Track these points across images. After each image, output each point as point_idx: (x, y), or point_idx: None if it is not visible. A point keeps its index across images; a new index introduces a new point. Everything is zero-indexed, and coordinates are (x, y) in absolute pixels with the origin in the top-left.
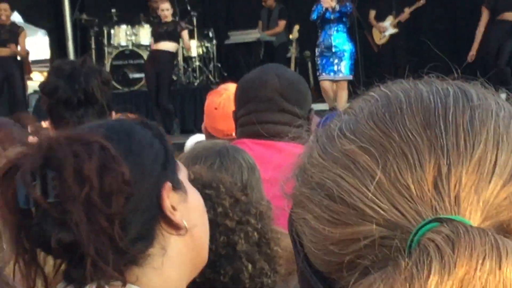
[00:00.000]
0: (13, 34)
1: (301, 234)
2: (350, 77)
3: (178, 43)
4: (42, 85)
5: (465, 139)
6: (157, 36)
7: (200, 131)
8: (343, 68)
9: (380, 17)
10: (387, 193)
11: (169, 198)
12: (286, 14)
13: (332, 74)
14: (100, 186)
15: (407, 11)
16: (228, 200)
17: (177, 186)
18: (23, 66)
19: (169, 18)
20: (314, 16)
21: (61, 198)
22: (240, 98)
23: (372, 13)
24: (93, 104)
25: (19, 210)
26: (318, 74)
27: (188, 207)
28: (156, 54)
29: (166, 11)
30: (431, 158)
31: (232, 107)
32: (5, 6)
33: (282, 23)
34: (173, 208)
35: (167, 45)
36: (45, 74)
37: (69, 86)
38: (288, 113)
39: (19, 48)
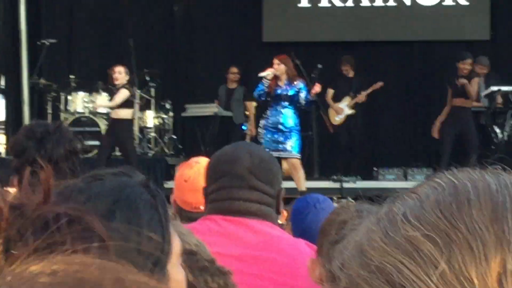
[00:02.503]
0: None
1: None
2: (298, 156)
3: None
4: (11, 144)
5: None
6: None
7: None
8: (290, 147)
9: (338, 97)
10: (449, 284)
11: None
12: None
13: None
14: None
15: (364, 93)
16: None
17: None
18: None
19: (119, 82)
20: (255, 93)
21: None
22: (211, 174)
23: (330, 93)
24: (57, 172)
25: None
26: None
27: None
28: (114, 122)
29: (117, 74)
30: (497, 254)
31: (202, 180)
32: None
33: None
34: None
35: (123, 112)
36: None
37: (36, 150)
38: (258, 191)
39: None
